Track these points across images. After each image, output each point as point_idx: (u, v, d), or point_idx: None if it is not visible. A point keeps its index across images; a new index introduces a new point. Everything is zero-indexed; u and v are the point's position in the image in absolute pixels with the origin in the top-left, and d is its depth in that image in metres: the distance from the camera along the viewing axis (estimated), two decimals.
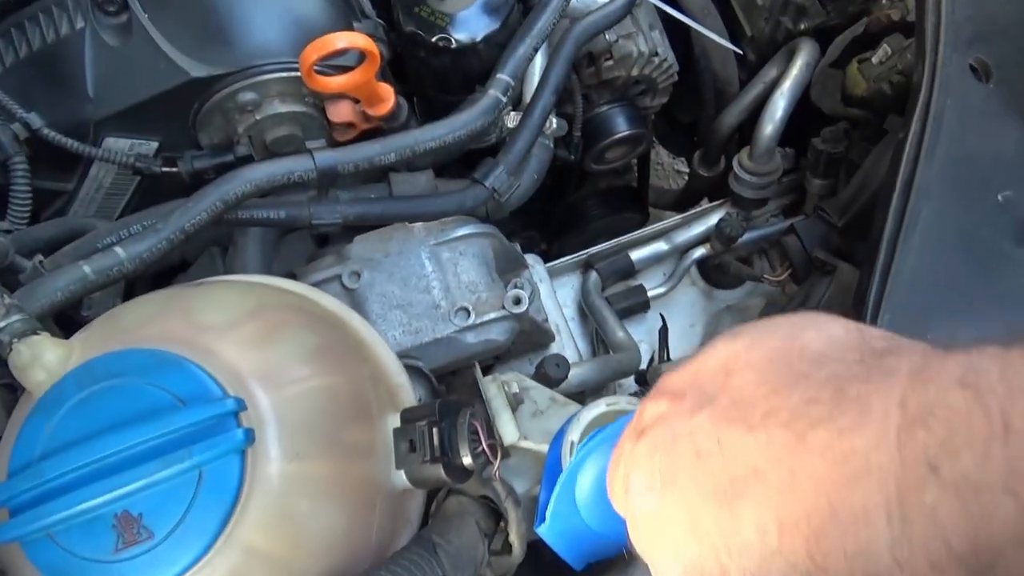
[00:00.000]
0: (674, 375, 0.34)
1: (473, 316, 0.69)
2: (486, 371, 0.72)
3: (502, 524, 0.54)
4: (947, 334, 0.58)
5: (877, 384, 0.26)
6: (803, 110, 0.88)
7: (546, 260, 0.91)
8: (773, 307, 0.87)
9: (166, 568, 0.41)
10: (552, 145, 0.80)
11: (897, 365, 0.27)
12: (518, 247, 0.81)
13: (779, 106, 0.87)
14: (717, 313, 0.98)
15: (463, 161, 0.81)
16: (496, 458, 0.49)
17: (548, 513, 0.47)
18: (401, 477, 0.50)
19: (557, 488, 0.47)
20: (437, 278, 0.71)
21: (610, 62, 0.91)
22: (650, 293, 0.93)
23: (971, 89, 0.64)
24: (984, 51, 0.64)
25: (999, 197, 0.62)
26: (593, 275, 0.94)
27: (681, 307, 0.98)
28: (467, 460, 0.47)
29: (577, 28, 0.76)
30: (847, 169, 0.87)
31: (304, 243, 0.81)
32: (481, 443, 0.48)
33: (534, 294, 0.73)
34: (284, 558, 0.45)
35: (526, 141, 0.72)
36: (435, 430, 0.48)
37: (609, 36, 0.83)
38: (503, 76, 0.70)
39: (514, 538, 0.51)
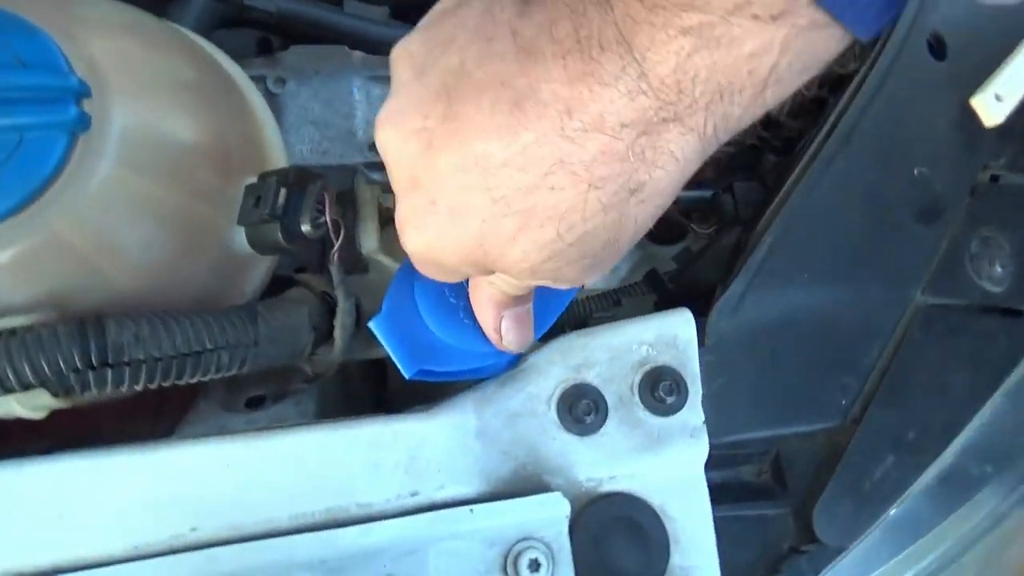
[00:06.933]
0: None
1: None
2: None
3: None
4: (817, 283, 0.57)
5: None
6: None
7: None
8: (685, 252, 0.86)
9: None
10: None
11: None
12: None
13: None
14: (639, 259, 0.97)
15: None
16: (338, 238, 0.47)
17: (384, 304, 0.46)
18: (241, 237, 0.49)
19: (395, 278, 0.46)
20: (362, 109, 0.69)
21: None
22: None
23: (922, 63, 0.63)
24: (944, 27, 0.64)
25: (915, 171, 0.62)
26: None
27: None
28: (306, 227, 0.46)
29: None
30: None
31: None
32: (324, 216, 0.47)
33: None
34: (89, 259, 0.43)
35: None
36: (283, 189, 0.46)
37: None
38: None
39: (338, 330, 0.50)
